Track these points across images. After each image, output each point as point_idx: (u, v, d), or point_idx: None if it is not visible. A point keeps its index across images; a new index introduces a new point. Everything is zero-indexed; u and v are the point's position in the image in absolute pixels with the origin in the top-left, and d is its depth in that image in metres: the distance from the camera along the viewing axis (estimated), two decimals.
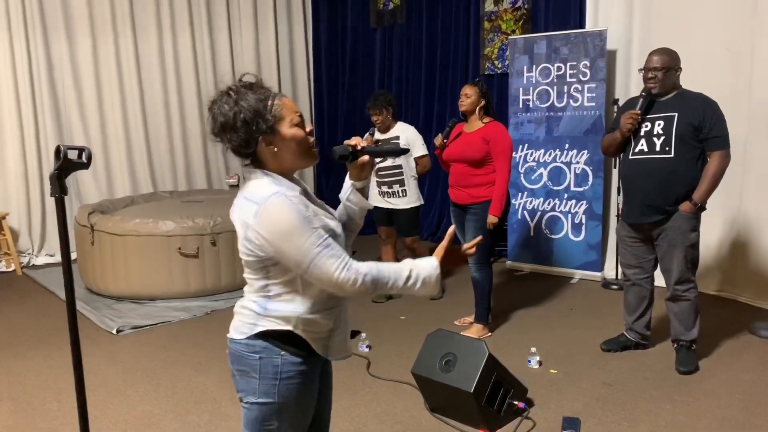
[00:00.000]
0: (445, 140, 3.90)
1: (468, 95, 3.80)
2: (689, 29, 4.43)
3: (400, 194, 4.47)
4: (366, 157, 1.76)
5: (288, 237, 1.51)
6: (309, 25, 7.40)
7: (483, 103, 3.82)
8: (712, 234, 4.49)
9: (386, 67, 6.92)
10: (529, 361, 3.47)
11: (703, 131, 3.15)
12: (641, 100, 3.27)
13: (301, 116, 1.65)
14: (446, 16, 6.25)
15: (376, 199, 4.57)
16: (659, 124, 3.20)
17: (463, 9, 6.08)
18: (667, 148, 3.16)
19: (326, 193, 7.53)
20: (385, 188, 4.51)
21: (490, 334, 3.96)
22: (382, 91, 4.65)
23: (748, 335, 3.83)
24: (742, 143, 4.25)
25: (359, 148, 1.75)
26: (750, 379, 3.25)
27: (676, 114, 3.17)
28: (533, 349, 3.51)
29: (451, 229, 1.73)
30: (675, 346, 3.44)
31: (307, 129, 1.66)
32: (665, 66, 3.22)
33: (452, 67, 6.25)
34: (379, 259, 4.82)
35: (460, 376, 2.77)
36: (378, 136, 4.58)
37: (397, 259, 4.86)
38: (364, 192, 1.84)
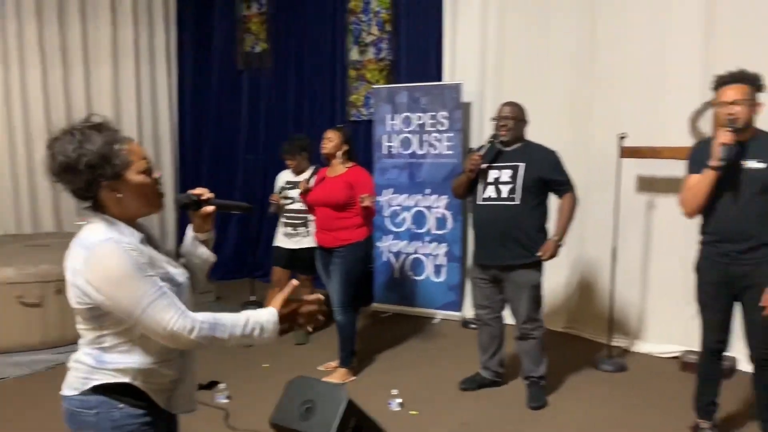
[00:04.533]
0: (308, 185, 3.94)
1: (330, 139, 3.88)
2: (536, 86, 4.82)
3: (305, 235, 4.53)
4: (210, 208, 1.72)
5: (118, 285, 1.44)
6: (173, 64, 7.21)
7: (346, 148, 3.90)
8: (558, 275, 4.82)
9: (254, 109, 6.88)
10: (391, 404, 3.50)
11: (551, 182, 3.43)
12: (487, 144, 3.50)
13: (148, 162, 1.59)
14: (314, 63, 6.36)
15: (280, 239, 4.66)
16: (506, 173, 3.43)
17: (329, 56, 6.22)
18: (513, 196, 3.39)
19: None
20: (290, 229, 4.60)
21: (354, 377, 3.96)
22: (299, 136, 4.76)
23: (591, 369, 4.11)
24: (583, 191, 4.60)
25: (204, 198, 1.71)
26: (594, 411, 3.49)
27: (523, 164, 3.42)
28: (395, 392, 3.55)
29: (294, 282, 1.71)
30: (526, 382, 3.62)
31: (155, 176, 1.60)
32: (515, 116, 3.49)
33: (320, 112, 6.33)
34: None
35: (319, 423, 2.73)
36: (292, 177, 4.62)
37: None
38: (208, 244, 1.79)
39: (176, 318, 1.46)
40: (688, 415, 3.10)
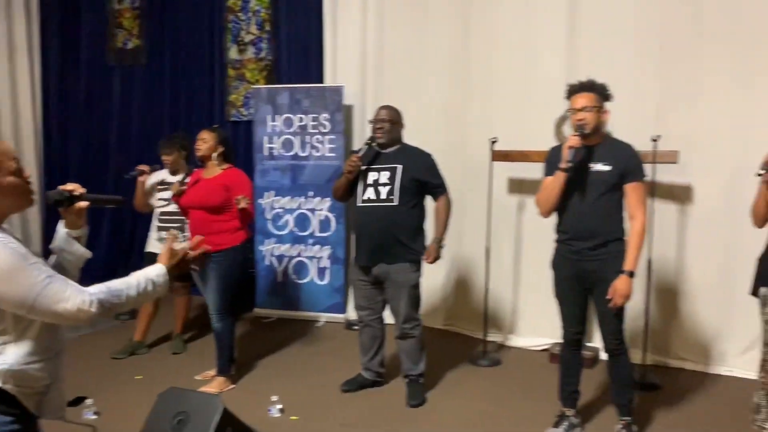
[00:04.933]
0: (182, 187, 3.78)
1: (204, 140, 3.75)
2: (414, 89, 4.93)
3: (181, 240, 4.22)
4: (83, 203, 1.70)
5: (5, 279, 1.41)
6: (36, 58, 6.69)
7: (222, 149, 3.79)
8: (437, 274, 4.95)
9: (126, 108, 6.53)
10: (270, 410, 3.43)
11: (426, 184, 3.52)
12: (365, 146, 3.54)
13: (18, 162, 1.55)
14: (191, 61, 6.14)
15: (153, 245, 4.39)
16: (385, 175, 3.48)
17: (207, 55, 6.04)
18: (391, 197, 3.45)
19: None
20: (164, 234, 4.29)
21: (233, 386, 3.85)
22: (178, 134, 4.51)
23: (469, 365, 4.26)
24: (459, 192, 4.78)
25: (76, 193, 1.68)
26: (470, 406, 3.61)
27: (400, 166, 3.48)
28: (275, 398, 3.49)
29: (173, 233, 1.79)
30: (406, 381, 3.68)
31: (25, 175, 1.57)
32: (391, 119, 3.55)
33: (197, 112, 6.12)
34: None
35: None
36: (167, 178, 4.36)
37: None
38: (81, 240, 1.76)
39: (73, 295, 1.47)
40: (556, 404, 3.27)
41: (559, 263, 3.10)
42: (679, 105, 4.12)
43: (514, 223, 4.70)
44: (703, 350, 4.17)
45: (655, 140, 3.77)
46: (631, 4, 4.23)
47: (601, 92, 2.94)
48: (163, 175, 4.48)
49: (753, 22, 3.91)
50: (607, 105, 3.00)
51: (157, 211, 4.45)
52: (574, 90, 2.97)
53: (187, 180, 3.87)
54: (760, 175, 2.64)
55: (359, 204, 3.53)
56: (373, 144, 3.55)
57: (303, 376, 4.05)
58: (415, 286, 3.55)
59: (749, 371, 3.89)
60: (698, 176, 4.11)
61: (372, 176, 3.51)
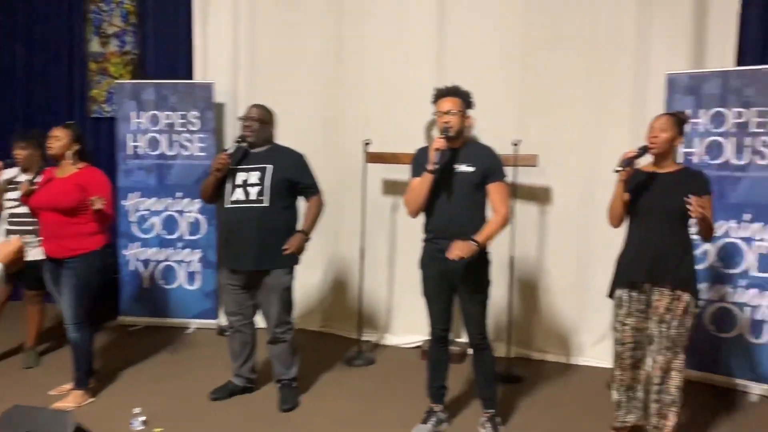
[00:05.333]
0: (31, 186, 3.48)
1: (58, 138, 3.48)
2: (288, 89, 4.87)
3: (34, 245, 3.88)
4: None
5: None
6: None
7: (77, 147, 3.53)
8: (313, 275, 4.94)
9: None
10: (133, 423, 3.24)
11: (298, 184, 3.47)
12: (234, 145, 3.44)
13: None
14: (47, 53, 5.68)
15: None
16: (254, 175, 3.39)
17: (66, 47, 5.62)
18: (261, 198, 3.36)
19: None
20: (15, 238, 3.83)
21: (92, 399, 3.60)
22: (37, 130, 4.12)
23: (344, 366, 4.26)
24: (335, 194, 4.78)
25: None
26: (344, 406, 3.60)
27: (270, 166, 3.40)
28: (137, 410, 3.30)
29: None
30: (278, 385, 3.61)
31: None
32: (260, 118, 3.47)
33: (54, 108, 5.67)
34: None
35: None
36: (17, 176, 4.02)
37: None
38: None
39: None
40: (426, 400, 3.34)
41: (426, 262, 3.17)
42: (539, 112, 4.36)
43: (388, 223, 4.76)
44: (562, 342, 4.45)
45: (515, 144, 3.96)
46: (496, 16, 4.42)
47: (464, 98, 3.05)
48: (12, 173, 4.10)
49: (606, 39, 4.22)
50: (472, 111, 3.12)
51: (6, 213, 4.07)
52: (440, 94, 3.06)
53: (38, 179, 3.56)
54: (617, 171, 2.81)
55: (227, 205, 3.41)
56: (243, 143, 3.45)
57: (170, 385, 3.86)
58: (287, 290, 3.49)
59: (602, 361, 4.21)
60: (556, 179, 4.37)
61: (241, 176, 3.41)
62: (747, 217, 3.82)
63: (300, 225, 3.57)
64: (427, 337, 4.27)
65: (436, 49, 4.54)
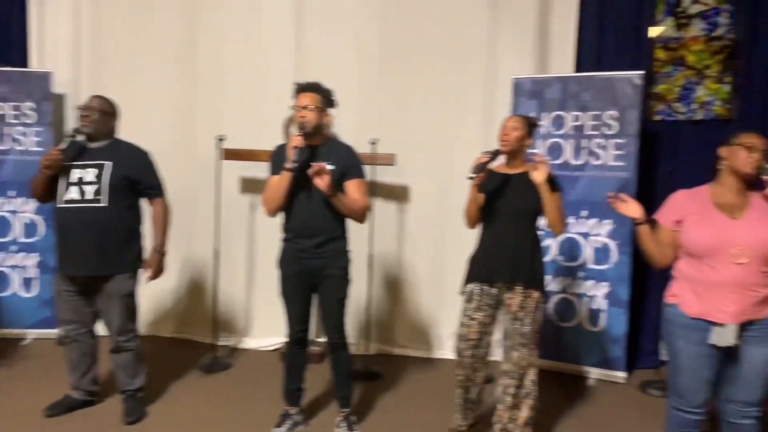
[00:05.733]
0: None
1: None
2: (138, 81, 4.59)
3: None
4: None
5: None
6: None
7: None
8: (166, 279, 4.63)
9: None
10: None
11: (140, 184, 3.24)
12: (68, 139, 3.16)
13: None
14: None
15: None
16: (91, 172, 3.14)
17: None
18: (100, 197, 3.12)
19: None
20: None
21: None
22: None
23: (198, 372, 4.07)
24: (189, 192, 4.59)
25: None
26: (196, 414, 3.43)
27: (110, 163, 3.16)
28: None
29: None
30: (122, 396, 3.38)
31: None
32: (101, 109, 3.21)
33: None
34: None
35: None
36: None
37: None
38: None
39: None
40: (282, 403, 3.27)
41: (285, 262, 3.10)
42: (397, 113, 4.44)
43: (246, 223, 4.62)
44: (422, 337, 4.55)
45: (373, 143, 3.99)
46: (353, 17, 4.44)
47: (325, 95, 3.01)
48: None
49: (458, 46, 4.37)
50: (333, 110, 3.08)
51: None
52: (300, 89, 3.00)
53: None
54: (470, 178, 2.87)
55: (61, 205, 3.12)
56: (77, 136, 3.18)
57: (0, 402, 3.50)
58: (131, 295, 3.27)
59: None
60: (414, 178, 4.46)
61: (76, 174, 3.13)
62: (584, 213, 4.10)
63: (144, 227, 3.35)
64: (284, 340, 4.24)
65: (294, 46, 4.47)
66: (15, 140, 4.53)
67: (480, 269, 2.99)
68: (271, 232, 4.40)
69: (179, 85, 4.63)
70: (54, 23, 4.70)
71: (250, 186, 4.60)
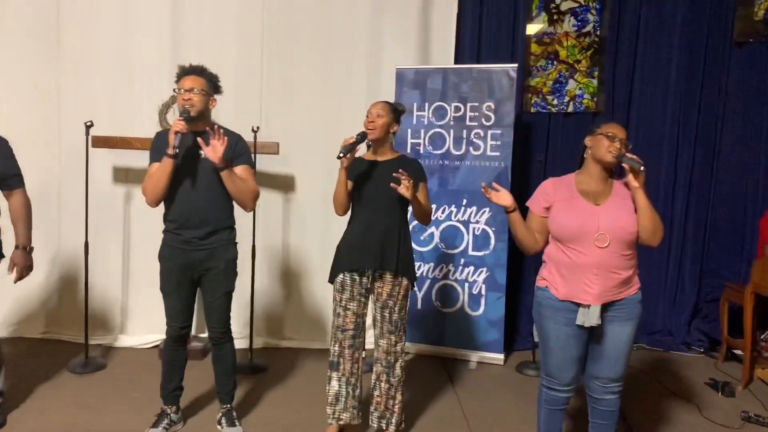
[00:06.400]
0: None
1: None
2: None
3: None
4: None
5: None
6: None
7: None
8: (34, 276, 4.29)
9: None
10: None
11: None
12: None
13: None
14: None
15: None
16: None
17: None
18: None
19: None
20: None
21: None
22: None
23: (68, 374, 3.82)
24: (58, 184, 4.29)
25: None
26: (61, 418, 3.21)
27: None
28: None
29: None
30: None
31: None
32: None
33: None
34: None
35: None
36: None
37: None
38: None
39: None
40: (159, 401, 3.12)
41: (166, 254, 2.96)
42: (281, 101, 4.35)
43: (121, 215, 4.37)
44: (312, 328, 4.50)
45: (255, 131, 3.89)
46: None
47: (210, 80, 2.90)
48: None
49: (342, 32, 4.34)
50: (216, 96, 2.96)
51: None
52: (185, 72, 2.88)
53: None
54: (339, 157, 2.83)
55: None
56: None
57: None
58: None
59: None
60: (299, 167, 4.40)
61: None
62: (464, 201, 4.22)
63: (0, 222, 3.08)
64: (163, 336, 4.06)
65: (170, 29, 4.26)
66: None
67: (349, 258, 2.97)
68: (148, 223, 4.21)
69: (42, 67, 4.28)
70: None
71: (124, 175, 4.35)
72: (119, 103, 4.23)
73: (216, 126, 2.82)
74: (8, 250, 3.08)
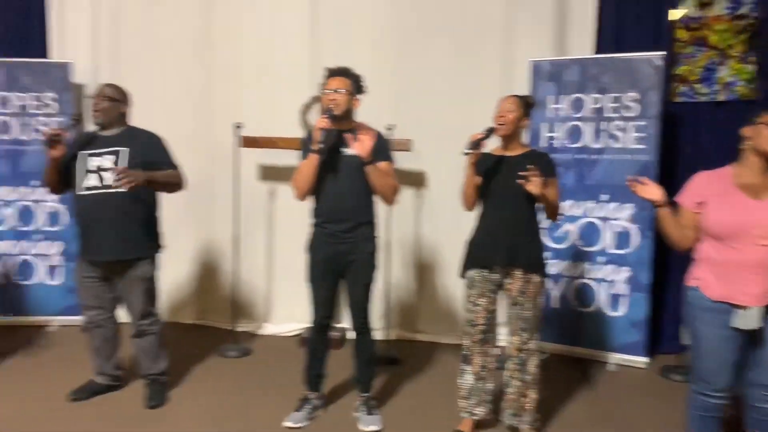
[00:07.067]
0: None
1: None
2: (156, 71, 4.64)
3: None
4: None
5: None
6: None
7: None
8: (186, 266, 4.76)
9: None
10: None
11: (156, 164, 3.23)
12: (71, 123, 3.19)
13: None
14: None
15: None
16: (109, 159, 3.17)
17: None
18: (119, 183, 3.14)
19: None
20: None
21: None
22: None
23: (218, 358, 4.12)
24: (206, 181, 4.63)
25: None
26: (217, 400, 3.47)
27: (126, 149, 3.19)
28: None
29: None
30: (145, 381, 3.43)
31: None
32: (112, 97, 3.24)
33: None
34: None
35: None
36: None
37: None
38: None
39: None
40: (302, 388, 3.29)
41: (314, 246, 3.10)
42: (413, 97, 4.41)
43: (265, 209, 4.64)
44: (444, 322, 4.54)
45: (389, 129, 3.97)
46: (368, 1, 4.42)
47: (355, 80, 3.02)
48: None
49: (474, 27, 4.33)
50: (359, 97, 3.06)
51: None
52: (331, 73, 3.01)
53: None
54: (466, 153, 2.82)
55: (80, 192, 3.17)
56: (78, 122, 3.19)
57: (25, 388, 3.56)
58: (150, 279, 3.31)
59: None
60: (431, 163, 4.44)
61: (94, 161, 3.17)
62: (604, 197, 4.06)
63: (160, 213, 3.38)
64: (307, 325, 4.25)
65: (309, 37, 4.46)
66: (36, 131, 4.57)
67: (478, 254, 2.96)
68: (291, 218, 4.46)
69: (197, 74, 4.65)
70: (74, 16, 4.73)
71: (269, 173, 4.62)
72: (265, 106, 4.49)
73: (361, 124, 2.92)
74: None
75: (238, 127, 4.16)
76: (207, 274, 4.81)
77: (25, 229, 4.63)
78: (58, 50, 4.78)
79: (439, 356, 4.24)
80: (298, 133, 4.28)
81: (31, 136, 4.58)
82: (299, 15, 4.46)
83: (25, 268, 4.66)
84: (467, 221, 4.26)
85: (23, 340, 4.35)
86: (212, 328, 4.73)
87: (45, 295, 4.67)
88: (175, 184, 3.30)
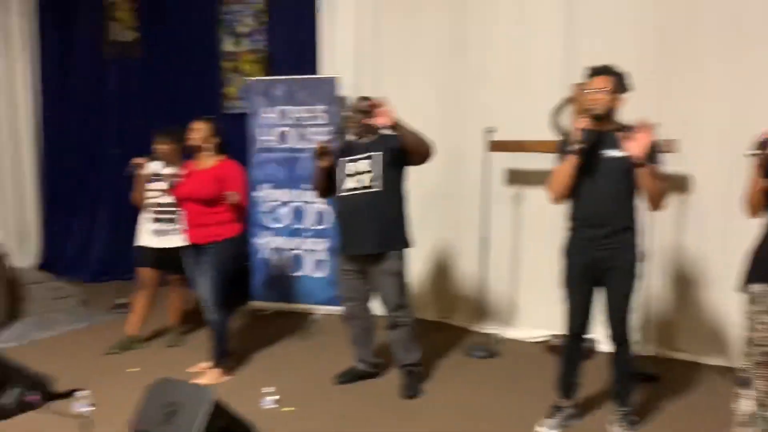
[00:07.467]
0: (176, 178, 3.76)
1: (198, 130, 3.74)
2: (410, 80, 4.93)
3: (175, 232, 4.11)
4: None
5: None
6: (34, 53, 6.64)
7: (217, 140, 3.76)
8: (430, 266, 4.96)
9: (123, 102, 6.49)
10: (264, 402, 3.41)
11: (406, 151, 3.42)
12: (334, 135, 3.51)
13: None
14: (186, 53, 6.09)
15: (146, 238, 4.32)
16: (365, 163, 3.46)
17: (202, 47, 5.99)
18: (375, 183, 3.43)
19: None
20: (159, 226, 4.26)
21: (228, 377, 3.82)
22: (177, 126, 4.23)
23: (464, 357, 4.22)
24: (454, 183, 4.80)
25: None
26: (466, 397, 3.57)
27: (380, 153, 3.45)
28: (268, 389, 3.46)
29: None
30: (401, 371, 3.64)
31: None
32: (360, 109, 3.51)
33: (193, 105, 6.00)
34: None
35: (182, 426, 2.60)
36: (160, 169, 4.20)
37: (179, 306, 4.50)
38: None
39: None
40: (551, 395, 3.23)
41: (571, 251, 3.04)
42: (678, 93, 4.08)
43: (511, 213, 4.65)
44: (707, 341, 4.11)
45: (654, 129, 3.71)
46: None
47: (619, 79, 2.90)
48: (155, 167, 4.39)
49: (749, 6, 3.87)
50: (623, 96, 2.94)
51: (150, 203, 4.35)
52: (594, 71, 2.93)
53: (181, 172, 3.83)
54: (750, 155, 2.55)
55: (342, 194, 3.52)
56: (341, 134, 3.53)
57: (298, 368, 4.02)
58: (400, 273, 3.53)
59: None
60: (697, 165, 4.06)
61: (352, 167, 3.49)
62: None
63: (408, 210, 3.59)
64: (553, 332, 4.16)
65: (563, 40, 4.36)
66: (309, 140, 5.12)
67: (761, 267, 2.65)
68: (539, 223, 4.40)
69: (449, 80, 4.83)
70: (341, 33, 5.20)
71: (515, 177, 4.62)
72: (514, 109, 4.50)
73: (625, 125, 2.79)
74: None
75: (489, 131, 4.22)
76: (450, 274, 4.96)
77: (297, 226, 5.22)
78: (328, 67, 5.29)
79: (702, 377, 3.86)
80: (547, 136, 4.21)
81: (305, 145, 5.15)
82: (553, 17, 4.38)
83: (297, 261, 5.24)
84: (740, 230, 3.85)
85: (294, 324, 4.91)
86: (455, 327, 4.85)
87: (311, 285, 5.21)
88: (423, 147, 3.41)
